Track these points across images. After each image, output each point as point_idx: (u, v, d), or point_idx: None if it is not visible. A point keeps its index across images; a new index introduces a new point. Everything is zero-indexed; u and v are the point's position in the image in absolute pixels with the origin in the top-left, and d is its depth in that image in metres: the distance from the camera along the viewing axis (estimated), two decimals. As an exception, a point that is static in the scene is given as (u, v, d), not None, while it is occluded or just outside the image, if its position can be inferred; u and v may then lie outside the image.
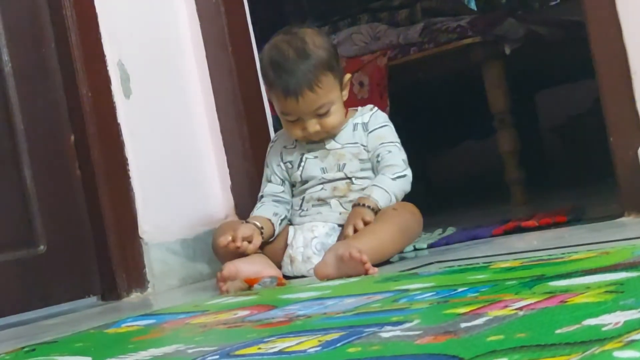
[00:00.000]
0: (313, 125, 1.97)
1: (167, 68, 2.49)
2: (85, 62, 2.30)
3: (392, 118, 3.03)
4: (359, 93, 3.10)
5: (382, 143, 2.00)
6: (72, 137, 2.32)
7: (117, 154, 2.33)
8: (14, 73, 2.25)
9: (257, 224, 1.98)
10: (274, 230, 2.01)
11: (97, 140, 2.30)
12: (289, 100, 1.95)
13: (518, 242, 1.90)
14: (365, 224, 1.88)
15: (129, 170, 2.34)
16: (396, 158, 1.99)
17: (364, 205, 1.91)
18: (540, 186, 3.26)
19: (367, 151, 2.01)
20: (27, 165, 2.24)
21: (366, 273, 1.72)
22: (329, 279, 1.75)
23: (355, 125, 2.03)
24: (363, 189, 1.98)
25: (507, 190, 2.98)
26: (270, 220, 2.01)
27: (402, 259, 1.96)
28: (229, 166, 2.52)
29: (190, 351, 1.17)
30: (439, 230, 2.26)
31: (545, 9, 4.33)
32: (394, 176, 1.96)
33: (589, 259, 1.33)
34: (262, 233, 1.97)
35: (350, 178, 2.00)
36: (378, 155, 2.00)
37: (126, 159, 2.35)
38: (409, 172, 1.99)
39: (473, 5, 4.62)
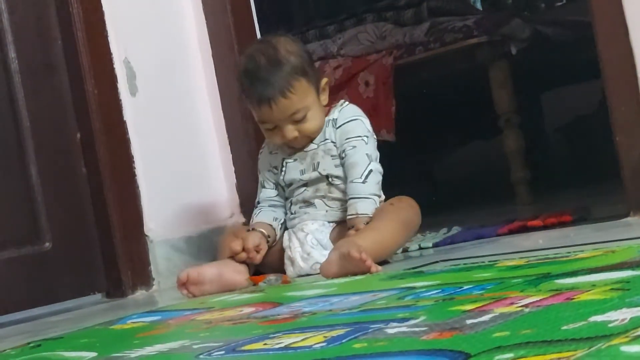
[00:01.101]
0: (291, 132, 1.97)
1: (173, 66, 2.49)
2: (91, 59, 2.31)
3: (397, 117, 3.05)
4: (364, 92, 3.10)
5: (348, 138, 1.99)
6: (78, 135, 2.33)
7: (122, 152, 2.33)
8: (20, 70, 2.26)
9: (264, 232, 2.00)
10: (276, 235, 2.04)
11: (103, 138, 2.31)
12: (263, 108, 1.95)
13: (523, 241, 1.90)
14: None
15: (134, 167, 2.35)
16: (359, 154, 1.97)
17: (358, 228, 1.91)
18: (546, 186, 3.26)
19: (336, 147, 2.01)
20: (33, 162, 2.25)
21: (368, 271, 1.72)
22: (334, 277, 1.76)
23: (327, 122, 2.02)
24: (343, 192, 1.98)
25: (512, 190, 2.98)
26: (271, 225, 2.04)
27: (407, 257, 1.96)
28: (234, 164, 2.52)
29: (195, 347, 1.17)
30: (444, 230, 2.26)
31: (551, 9, 4.32)
32: (362, 178, 1.95)
33: (594, 258, 1.33)
34: (268, 241, 2.00)
35: (326, 176, 2.00)
36: (343, 152, 1.99)
37: (132, 157, 2.35)
38: (373, 165, 1.96)
39: (479, 5, 4.62)
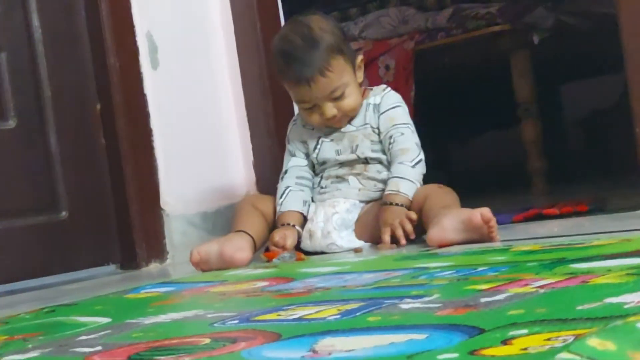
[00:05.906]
0: (330, 109, 1.97)
1: (196, 42, 2.50)
2: (114, 31, 2.32)
3: (416, 103, 3.05)
4: (384, 76, 3.10)
5: (395, 125, 2.00)
6: (99, 106, 2.34)
7: (142, 125, 2.34)
8: (44, 39, 2.27)
9: (299, 229, 1.99)
10: (305, 221, 2.03)
11: (123, 110, 2.32)
12: (301, 88, 1.96)
13: (539, 228, 1.90)
14: (406, 231, 1.89)
15: (153, 141, 2.36)
16: (409, 141, 1.99)
17: (396, 204, 1.91)
18: (562, 178, 3.25)
19: (376, 133, 2.01)
20: (53, 132, 2.26)
21: (491, 238, 1.69)
22: (447, 245, 1.72)
23: (367, 106, 2.03)
24: (379, 172, 2.00)
25: (528, 180, 2.97)
26: (302, 213, 2.02)
27: (421, 240, 1.96)
28: (252, 142, 2.53)
29: (209, 316, 1.18)
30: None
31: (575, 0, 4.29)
32: (413, 163, 1.97)
33: (610, 245, 1.33)
34: (300, 240, 1.99)
35: (364, 159, 2.02)
36: (391, 137, 1.99)
37: (151, 130, 2.36)
38: (422, 156, 2.00)
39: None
